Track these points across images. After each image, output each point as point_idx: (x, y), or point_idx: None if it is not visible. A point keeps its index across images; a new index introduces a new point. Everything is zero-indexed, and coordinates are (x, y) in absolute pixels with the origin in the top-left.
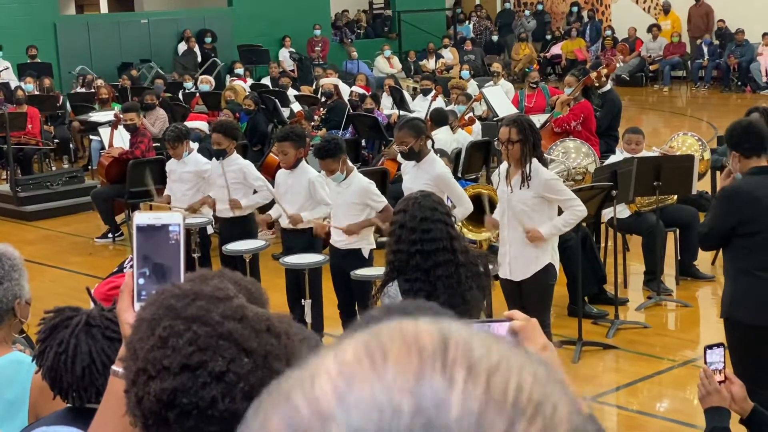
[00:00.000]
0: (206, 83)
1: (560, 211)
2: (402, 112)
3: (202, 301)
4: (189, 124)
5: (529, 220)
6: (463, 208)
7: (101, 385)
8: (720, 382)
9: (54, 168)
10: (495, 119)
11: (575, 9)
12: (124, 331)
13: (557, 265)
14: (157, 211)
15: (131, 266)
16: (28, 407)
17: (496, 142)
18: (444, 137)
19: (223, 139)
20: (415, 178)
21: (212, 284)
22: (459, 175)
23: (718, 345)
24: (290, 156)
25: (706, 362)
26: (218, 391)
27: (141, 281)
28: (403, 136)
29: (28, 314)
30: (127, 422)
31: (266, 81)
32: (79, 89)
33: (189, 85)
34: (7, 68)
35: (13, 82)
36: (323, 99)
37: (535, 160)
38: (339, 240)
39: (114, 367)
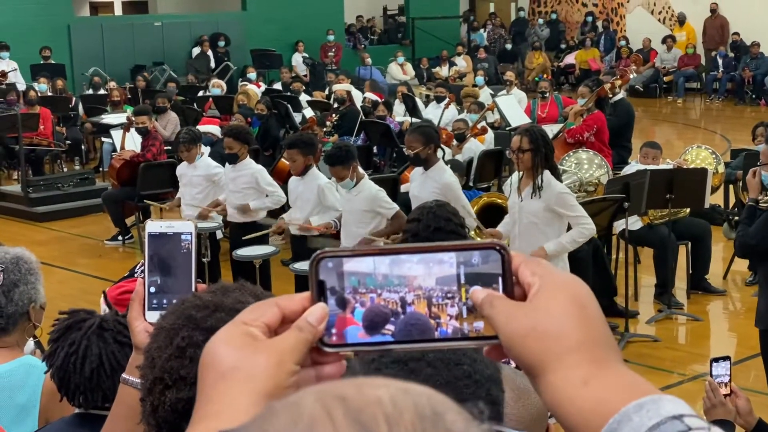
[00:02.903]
0: (217, 87)
1: (570, 227)
2: (414, 120)
3: (222, 313)
4: (201, 128)
5: (539, 233)
6: (466, 221)
7: (108, 388)
8: (726, 395)
9: (65, 169)
10: (507, 128)
11: (590, 18)
12: (135, 339)
13: None
14: (169, 219)
15: (142, 272)
16: (38, 411)
17: (507, 152)
18: None
19: (235, 143)
20: (422, 186)
21: (233, 297)
22: (471, 184)
23: (725, 358)
24: (298, 163)
25: (711, 375)
26: None
27: (152, 289)
28: (412, 141)
29: (42, 318)
30: (135, 430)
31: (279, 86)
32: (87, 92)
33: (217, 91)
34: (15, 69)
35: (21, 84)
36: (336, 105)
37: (547, 172)
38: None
39: (124, 375)
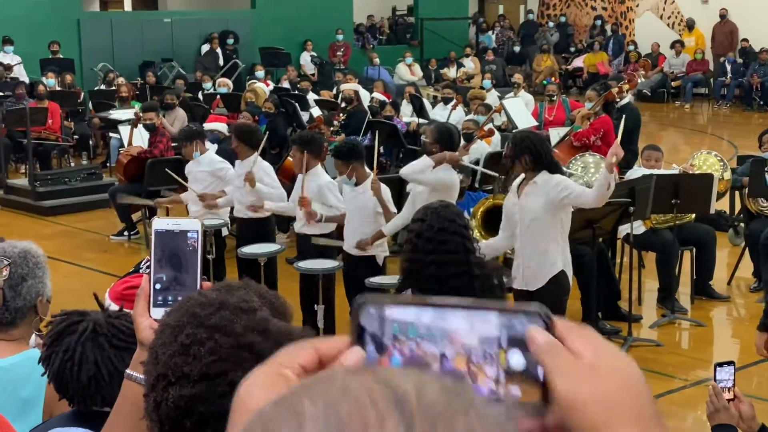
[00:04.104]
0: (224, 86)
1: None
2: (421, 120)
3: (227, 311)
4: (208, 125)
5: (542, 231)
6: None
7: (107, 393)
8: (729, 400)
9: (72, 164)
10: (514, 131)
11: (599, 22)
12: (140, 335)
13: (570, 275)
14: (176, 218)
15: (148, 267)
16: (42, 405)
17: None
18: None
19: (235, 141)
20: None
21: (237, 295)
22: (477, 185)
23: (729, 363)
24: (296, 160)
25: (715, 379)
26: None
27: (157, 286)
28: (427, 133)
29: (48, 312)
30: (139, 426)
31: (287, 84)
32: (101, 86)
33: (208, 86)
34: (20, 63)
35: (23, 78)
36: (343, 104)
37: (544, 172)
38: (353, 246)
39: (128, 371)
